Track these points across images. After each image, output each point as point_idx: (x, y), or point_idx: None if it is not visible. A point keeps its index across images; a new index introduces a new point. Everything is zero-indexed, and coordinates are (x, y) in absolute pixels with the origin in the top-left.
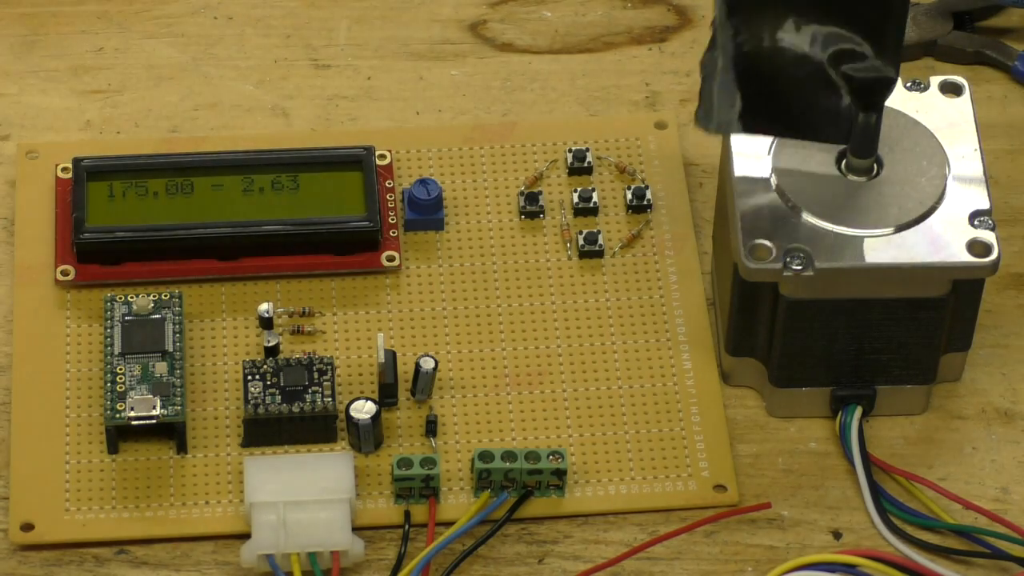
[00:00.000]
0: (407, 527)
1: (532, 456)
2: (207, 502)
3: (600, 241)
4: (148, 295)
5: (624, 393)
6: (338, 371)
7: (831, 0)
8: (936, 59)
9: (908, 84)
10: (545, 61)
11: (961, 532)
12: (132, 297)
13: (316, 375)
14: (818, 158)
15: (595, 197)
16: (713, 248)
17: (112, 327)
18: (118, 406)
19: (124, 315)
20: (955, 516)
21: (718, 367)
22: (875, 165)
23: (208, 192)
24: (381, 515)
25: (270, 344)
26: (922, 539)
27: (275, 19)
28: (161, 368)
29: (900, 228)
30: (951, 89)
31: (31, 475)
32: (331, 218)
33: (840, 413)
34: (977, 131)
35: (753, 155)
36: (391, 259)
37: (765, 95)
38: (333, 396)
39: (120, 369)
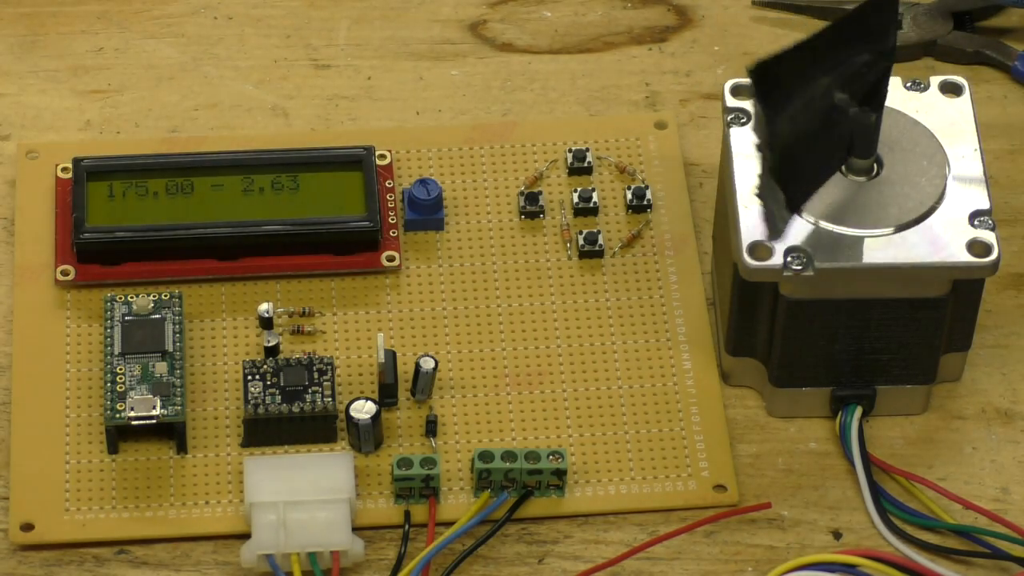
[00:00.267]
0: (407, 527)
1: (532, 456)
2: (207, 502)
3: (600, 241)
4: (148, 295)
5: (624, 393)
6: (338, 371)
7: (843, 32)
8: (936, 59)
9: (908, 84)
10: (545, 61)
11: (961, 532)
12: (132, 297)
13: (316, 375)
14: None
15: (595, 197)
16: (713, 248)
17: (112, 327)
18: (118, 406)
19: (124, 315)
20: (955, 516)
21: (718, 367)
22: (875, 165)
23: (208, 192)
24: (381, 515)
25: (270, 344)
26: (922, 539)
27: (275, 19)
28: (161, 368)
29: (900, 228)
30: (951, 89)
31: (31, 475)
32: (331, 218)
33: (840, 413)
34: (977, 131)
35: (753, 155)
36: (391, 259)
37: (801, 173)
38: (333, 396)
39: (120, 369)
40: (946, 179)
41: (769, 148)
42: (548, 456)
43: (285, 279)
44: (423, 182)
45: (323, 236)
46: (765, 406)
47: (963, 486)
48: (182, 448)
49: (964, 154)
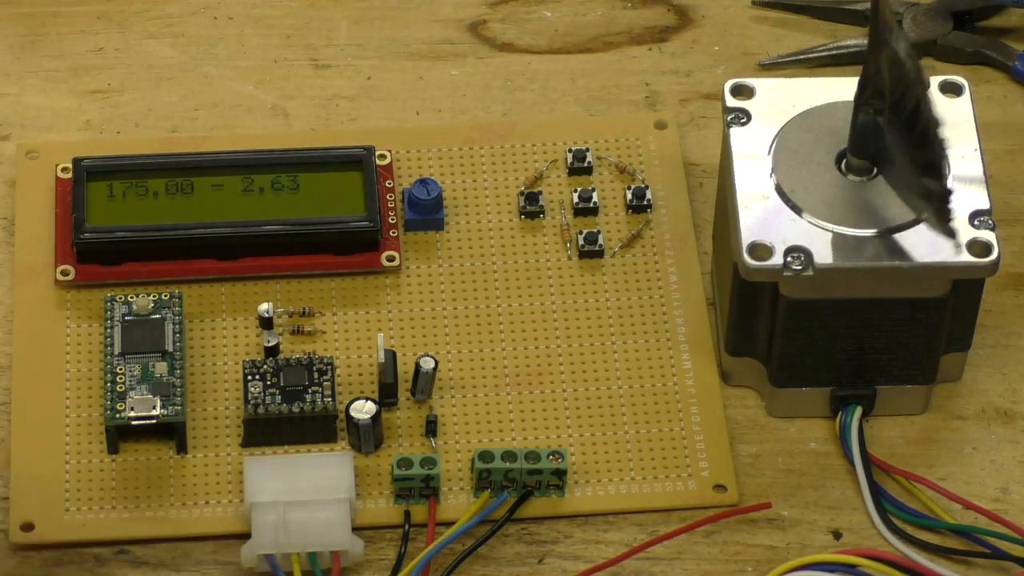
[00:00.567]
0: (407, 527)
1: (532, 456)
2: (207, 502)
3: (600, 241)
4: (148, 295)
5: (624, 393)
6: (338, 371)
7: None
8: (936, 59)
9: None
10: (545, 61)
11: (961, 532)
12: (132, 297)
13: (316, 375)
14: (818, 158)
15: (595, 197)
16: (713, 248)
17: (112, 327)
18: (118, 406)
19: (124, 315)
20: (955, 516)
21: (718, 367)
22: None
23: (208, 192)
24: (381, 515)
25: (270, 344)
26: (922, 539)
27: (275, 19)
28: (161, 368)
29: (900, 228)
30: (951, 89)
31: (31, 475)
32: (331, 218)
33: (840, 413)
34: (977, 131)
35: (753, 155)
36: (391, 259)
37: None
38: (333, 396)
39: (120, 369)
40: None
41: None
42: (548, 456)
43: (285, 279)
44: (423, 182)
45: (323, 236)
46: (765, 406)
47: (963, 486)
48: (182, 448)
49: (964, 154)
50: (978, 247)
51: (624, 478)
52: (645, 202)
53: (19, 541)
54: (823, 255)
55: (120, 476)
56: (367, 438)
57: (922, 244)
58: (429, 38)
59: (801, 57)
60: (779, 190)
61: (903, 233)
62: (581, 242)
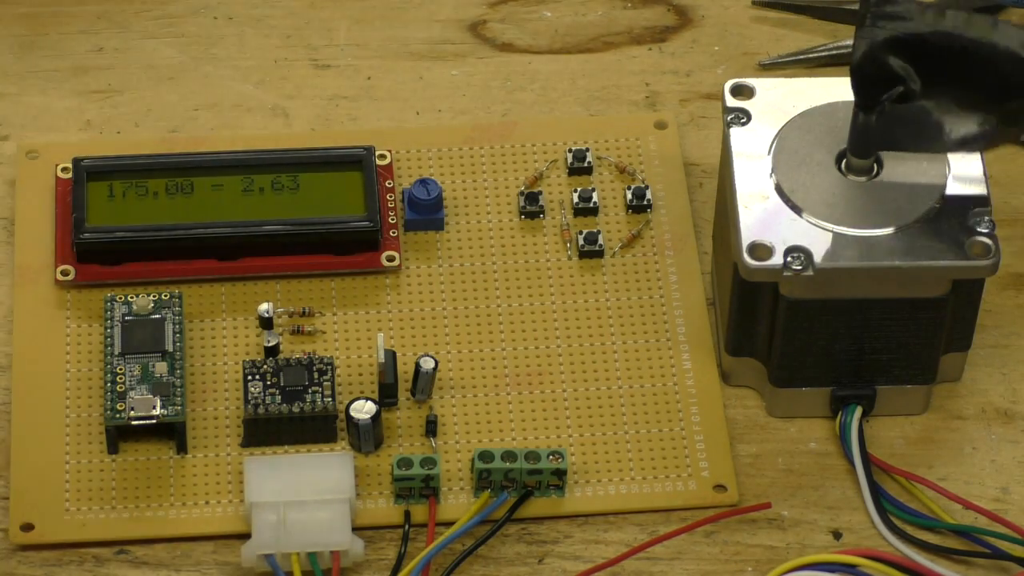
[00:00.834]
0: (407, 527)
1: (532, 456)
2: (207, 502)
3: (600, 241)
4: (148, 295)
5: (624, 393)
6: (338, 371)
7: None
8: None
9: None
10: (545, 61)
11: (961, 532)
12: (132, 297)
13: (316, 375)
14: (818, 158)
15: (595, 197)
16: (713, 248)
17: (112, 327)
18: (118, 406)
19: (124, 315)
20: (955, 516)
21: (718, 367)
22: (875, 165)
23: (208, 192)
24: (381, 515)
25: (270, 344)
26: (922, 539)
27: (275, 19)
28: (161, 368)
29: (900, 228)
30: None
31: (31, 475)
32: (331, 218)
33: (840, 413)
34: None
35: (753, 155)
36: (391, 259)
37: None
38: (333, 396)
39: (120, 369)
40: (946, 179)
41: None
42: (548, 456)
43: (285, 279)
44: (423, 182)
45: (323, 236)
46: (765, 406)
47: (963, 486)
48: (182, 448)
49: (964, 154)
50: (978, 247)
51: (624, 478)
52: (645, 202)
53: (19, 541)
54: (823, 255)
55: (120, 476)
56: (367, 438)
57: (922, 244)
58: (429, 38)
59: (801, 57)
60: (779, 190)
61: (903, 233)
62: (581, 242)
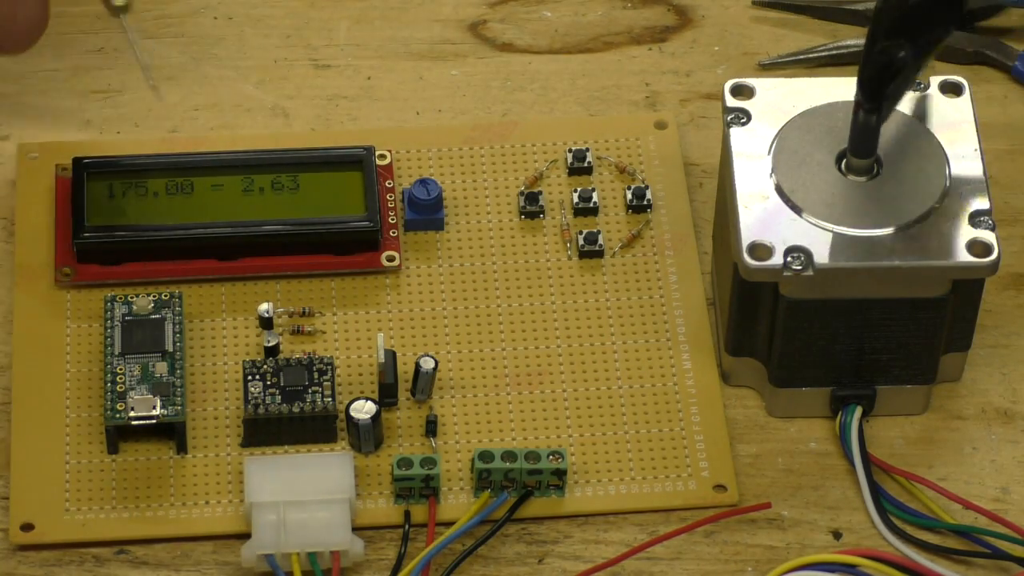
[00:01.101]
0: (407, 527)
1: (532, 456)
2: (207, 502)
3: (600, 241)
4: (148, 295)
5: (624, 393)
6: (338, 371)
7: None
8: (936, 59)
9: None
10: (545, 61)
11: (961, 532)
12: (132, 297)
13: (316, 375)
14: (818, 158)
15: (595, 197)
16: (713, 248)
17: (112, 327)
18: (118, 406)
19: (124, 315)
20: (955, 516)
21: (718, 367)
22: (875, 165)
23: (208, 192)
24: (381, 515)
25: (270, 344)
26: (922, 539)
27: (275, 19)
28: (161, 368)
29: (900, 228)
30: (951, 89)
31: (31, 475)
32: (331, 218)
33: (840, 413)
34: (977, 131)
35: (753, 155)
36: (391, 259)
37: None
38: (333, 396)
39: (120, 369)
40: (946, 179)
41: None
42: (548, 456)
43: (285, 279)
44: (423, 182)
45: (323, 236)
46: (765, 406)
47: (963, 486)
48: (182, 448)
49: (964, 154)
50: (978, 247)
51: (624, 478)
52: (645, 202)
53: (19, 541)
54: (823, 255)
55: (120, 476)
56: (367, 438)
57: (922, 244)
58: (429, 38)
59: (801, 57)
60: (779, 190)
61: (903, 233)
62: (581, 242)
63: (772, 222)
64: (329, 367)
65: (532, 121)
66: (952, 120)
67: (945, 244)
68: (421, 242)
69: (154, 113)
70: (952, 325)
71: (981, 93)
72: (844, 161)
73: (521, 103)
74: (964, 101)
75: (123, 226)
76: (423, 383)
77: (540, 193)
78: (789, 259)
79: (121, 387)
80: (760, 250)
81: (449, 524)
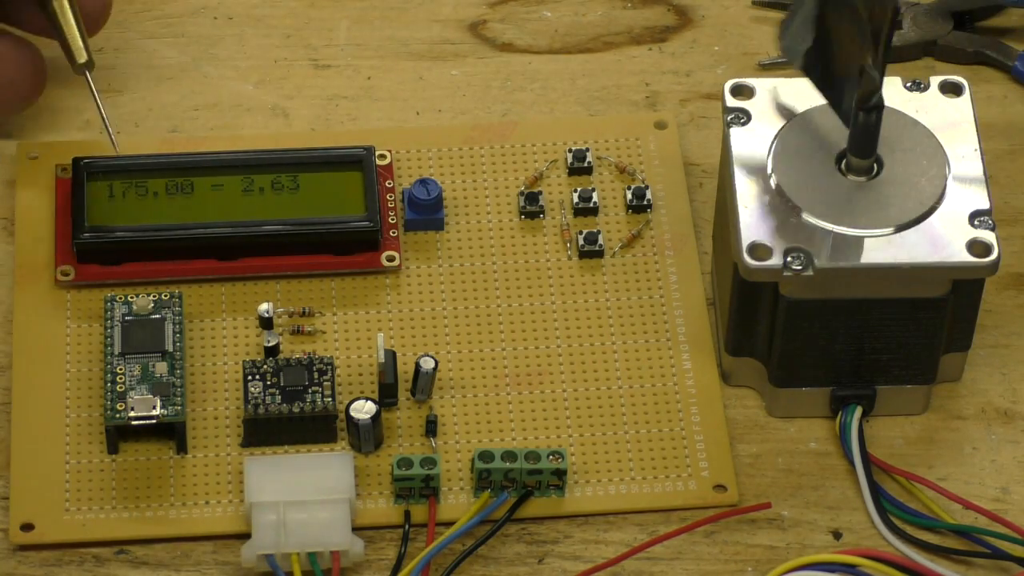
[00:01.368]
0: (407, 527)
1: (532, 456)
2: (207, 502)
3: (600, 241)
4: (148, 295)
5: (624, 393)
6: (338, 371)
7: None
8: (936, 59)
9: (908, 84)
10: (545, 61)
11: (961, 532)
12: (132, 297)
13: (316, 375)
14: (818, 158)
15: (595, 197)
16: (713, 248)
17: (112, 327)
18: (118, 406)
19: (124, 315)
20: (955, 516)
21: (718, 367)
22: (875, 165)
23: (208, 192)
24: (381, 515)
25: (270, 344)
26: (922, 539)
27: (275, 19)
28: (161, 368)
29: (900, 228)
30: (951, 89)
31: (31, 475)
32: (331, 218)
33: (840, 413)
34: (977, 131)
35: (753, 155)
36: (391, 259)
37: (820, 45)
38: (333, 396)
39: (120, 369)
40: (946, 179)
41: None
42: (548, 456)
43: (285, 279)
44: (423, 182)
45: (323, 236)
46: (765, 406)
47: (963, 486)
48: (182, 448)
49: (964, 154)
50: (978, 247)
51: (624, 478)
52: (645, 202)
53: (19, 541)
54: (823, 255)
55: (120, 476)
56: (367, 438)
57: (922, 244)
58: (429, 38)
59: None
60: (779, 190)
61: (903, 233)
62: (581, 242)
63: (772, 222)
64: (329, 367)
65: (532, 121)
66: (952, 120)
67: (945, 244)
68: (421, 242)
69: (154, 113)
70: (952, 325)
71: (981, 93)
72: (844, 161)
73: (521, 103)
74: (964, 101)
75: (123, 226)
76: (423, 383)
77: (540, 193)
78: (789, 259)
79: (121, 387)
80: (760, 250)
81: (449, 524)
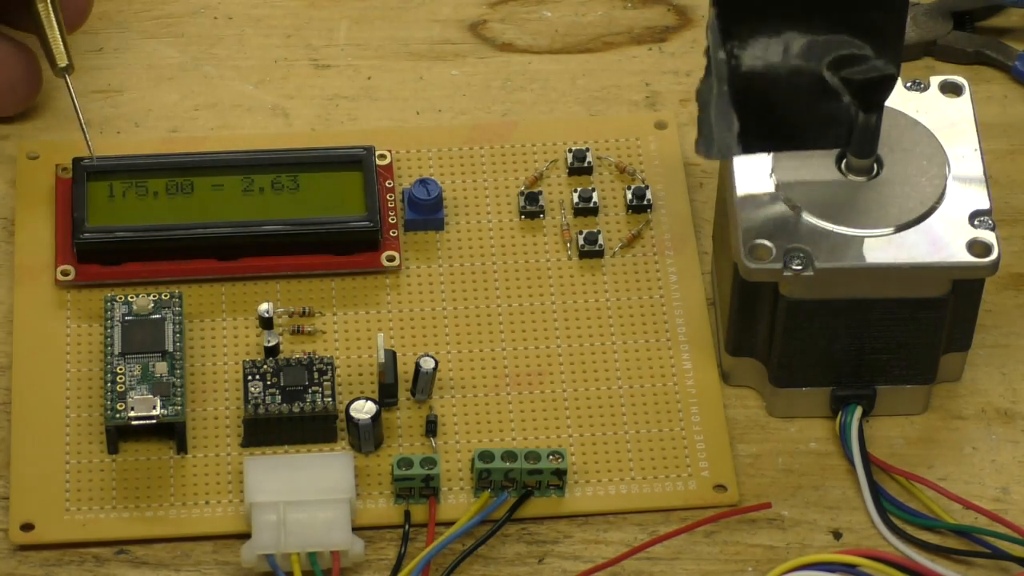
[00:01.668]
0: (407, 527)
1: (532, 456)
2: (207, 502)
3: (600, 241)
4: (148, 295)
5: (624, 393)
6: (338, 371)
7: (829, 8)
8: (936, 59)
9: (908, 84)
10: (545, 61)
11: (961, 532)
12: (132, 297)
13: (316, 375)
14: (818, 159)
15: (595, 197)
16: (713, 248)
17: (112, 327)
18: (118, 406)
19: (124, 315)
20: (955, 516)
21: (718, 367)
22: (875, 165)
23: (208, 192)
24: (381, 515)
25: (270, 344)
26: (922, 539)
27: (275, 19)
28: (161, 368)
29: (900, 228)
30: (951, 89)
31: (31, 475)
32: (331, 218)
33: (840, 413)
34: (977, 131)
35: (754, 155)
36: (391, 259)
37: (762, 113)
38: (333, 396)
39: (120, 369)
40: (946, 179)
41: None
42: (548, 456)
43: (285, 279)
44: (423, 182)
45: (323, 236)
46: (765, 406)
47: (963, 486)
48: (182, 448)
49: (964, 154)
50: (978, 247)
51: (624, 478)
52: (645, 202)
53: (19, 541)
54: (823, 255)
55: (120, 476)
56: (367, 438)
57: (922, 244)
58: (429, 38)
59: None
60: (779, 190)
61: (903, 233)
62: (581, 242)
63: (772, 222)
64: (329, 367)
65: (532, 121)
66: (952, 120)
67: (945, 244)
68: (421, 242)
69: (154, 113)
70: (952, 325)
71: (981, 93)
72: (844, 161)
73: (521, 103)
74: (964, 101)
75: (123, 226)
76: (423, 383)
77: (540, 193)
78: (789, 259)
79: (121, 387)
80: (760, 250)
81: (449, 524)
